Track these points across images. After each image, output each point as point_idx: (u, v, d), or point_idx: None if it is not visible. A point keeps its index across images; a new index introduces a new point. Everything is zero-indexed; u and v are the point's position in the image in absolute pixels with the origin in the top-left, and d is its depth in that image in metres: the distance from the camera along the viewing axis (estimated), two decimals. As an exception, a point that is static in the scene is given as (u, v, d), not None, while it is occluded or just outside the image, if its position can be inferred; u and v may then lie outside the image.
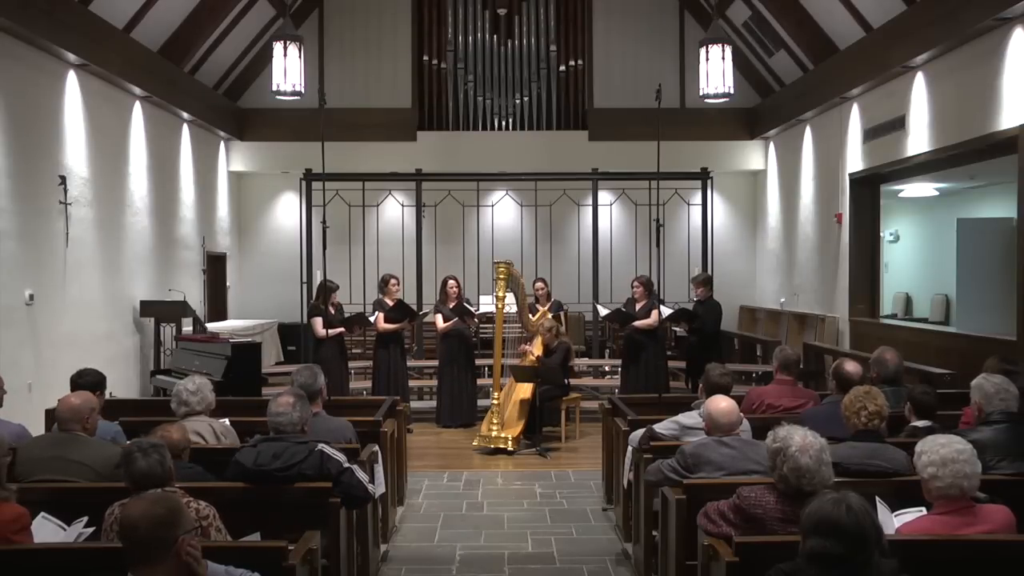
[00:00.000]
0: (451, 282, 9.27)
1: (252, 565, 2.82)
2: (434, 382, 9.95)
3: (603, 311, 9.27)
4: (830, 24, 10.16)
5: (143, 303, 9.88)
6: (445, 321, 9.15)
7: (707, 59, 9.38)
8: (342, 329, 8.75)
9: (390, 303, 9.01)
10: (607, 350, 12.68)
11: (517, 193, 13.04)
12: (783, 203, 12.95)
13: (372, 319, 8.93)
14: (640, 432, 5.03)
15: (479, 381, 9.64)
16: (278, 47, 9.23)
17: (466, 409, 9.22)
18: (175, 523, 2.51)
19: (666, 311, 8.75)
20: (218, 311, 12.66)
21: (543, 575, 5.16)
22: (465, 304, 9.20)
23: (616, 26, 13.54)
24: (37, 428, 5.42)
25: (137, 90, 9.79)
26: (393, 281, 9.15)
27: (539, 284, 9.69)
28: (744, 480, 3.65)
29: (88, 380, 4.87)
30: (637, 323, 8.74)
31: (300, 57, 9.31)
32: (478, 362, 9.65)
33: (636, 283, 8.97)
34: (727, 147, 13.49)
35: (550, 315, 9.09)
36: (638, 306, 8.84)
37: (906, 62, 8.75)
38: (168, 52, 10.32)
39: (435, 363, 9.78)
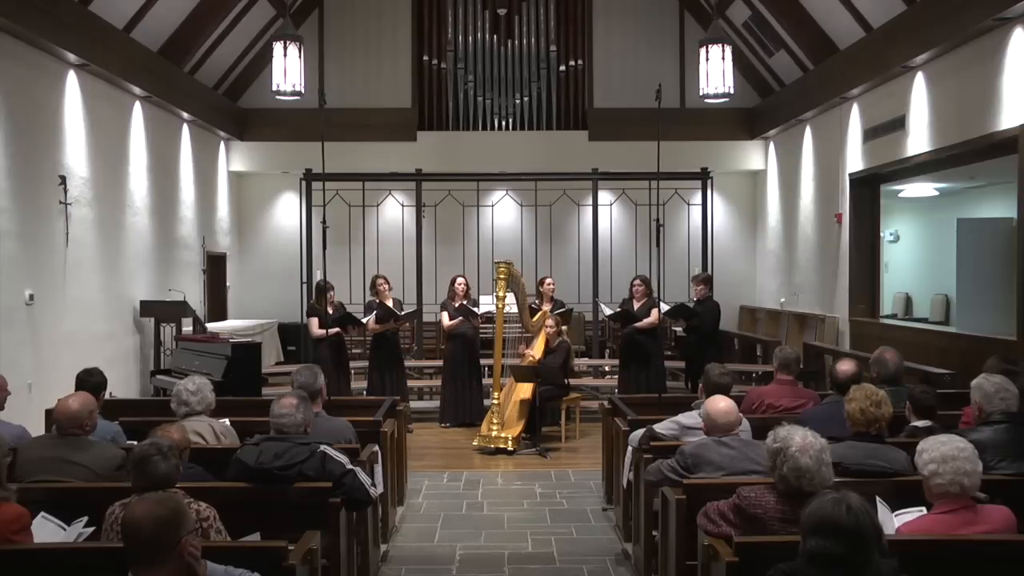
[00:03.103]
0: (459, 280, 9.25)
1: (252, 565, 2.82)
2: (434, 382, 9.91)
3: (607, 310, 9.20)
4: (830, 24, 10.16)
5: (143, 303, 9.88)
6: (450, 319, 9.15)
7: (707, 59, 9.39)
8: (339, 329, 8.75)
9: (378, 303, 9.00)
10: (607, 350, 12.67)
11: (517, 193, 13.03)
12: (783, 203, 12.95)
13: (365, 320, 8.91)
14: (640, 432, 5.03)
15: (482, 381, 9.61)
16: (278, 47, 9.24)
17: (470, 408, 9.19)
18: (179, 524, 2.51)
19: (664, 308, 8.73)
20: (218, 311, 12.66)
21: (543, 575, 5.16)
22: (467, 305, 9.17)
23: (616, 26, 13.54)
24: (37, 428, 5.42)
25: (137, 90, 9.80)
26: (380, 281, 9.06)
27: (549, 281, 9.53)
28: (744, 480, 3.65)
29: (94, 381, 4.91)
30: (639, 323, 8.73)
31: (300, 57, 9.31)
32: (480, 362, 9.62)
33: (637, 282, 8.94)
34: (727, 147, 13.49)
35: (551, 315, 9.04)
36: (637, 305, 8.82)
37: (906, 62, 8.76)
38: (168, 52, 10.32)
39: (435, 363, 9.74)
